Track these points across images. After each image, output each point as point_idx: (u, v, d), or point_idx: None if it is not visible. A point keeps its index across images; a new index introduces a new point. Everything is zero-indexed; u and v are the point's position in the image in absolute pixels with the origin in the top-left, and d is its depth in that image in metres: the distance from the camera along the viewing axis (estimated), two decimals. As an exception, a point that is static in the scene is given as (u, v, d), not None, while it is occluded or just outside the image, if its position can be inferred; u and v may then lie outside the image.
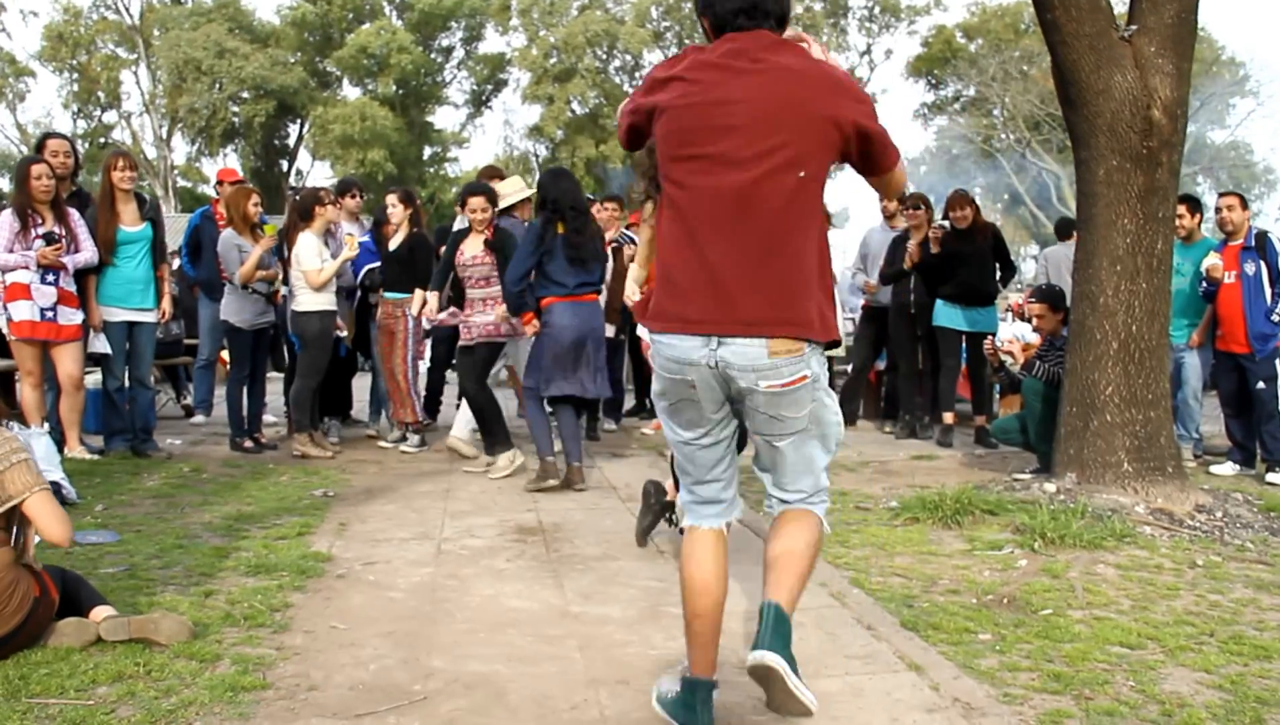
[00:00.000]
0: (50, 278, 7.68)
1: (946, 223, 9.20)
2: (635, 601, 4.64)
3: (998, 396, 10.06)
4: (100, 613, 4.03)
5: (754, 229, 3.07)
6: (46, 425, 7.60)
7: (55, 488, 6.29)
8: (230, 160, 48.76)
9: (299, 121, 49.31)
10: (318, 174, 49.78)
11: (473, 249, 7.82)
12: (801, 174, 3.06)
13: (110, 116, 50.07)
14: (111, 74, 47.78)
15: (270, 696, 3.52)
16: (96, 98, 48.69)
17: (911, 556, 5.44)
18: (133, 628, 3.95)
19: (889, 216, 10.23)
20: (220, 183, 9.79)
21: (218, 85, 44.57)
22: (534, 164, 49.16)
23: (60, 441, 7.99)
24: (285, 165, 50.38)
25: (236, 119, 46.18)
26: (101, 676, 3.63)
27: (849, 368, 10.67)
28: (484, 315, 7.71)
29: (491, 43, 50.79)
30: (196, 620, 4.25)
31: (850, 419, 10.31)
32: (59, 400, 8.07)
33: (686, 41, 45.89)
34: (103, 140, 49.24)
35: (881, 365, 10.65)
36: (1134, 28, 6.44)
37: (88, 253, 7.86)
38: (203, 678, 3.63)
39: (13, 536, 3.98)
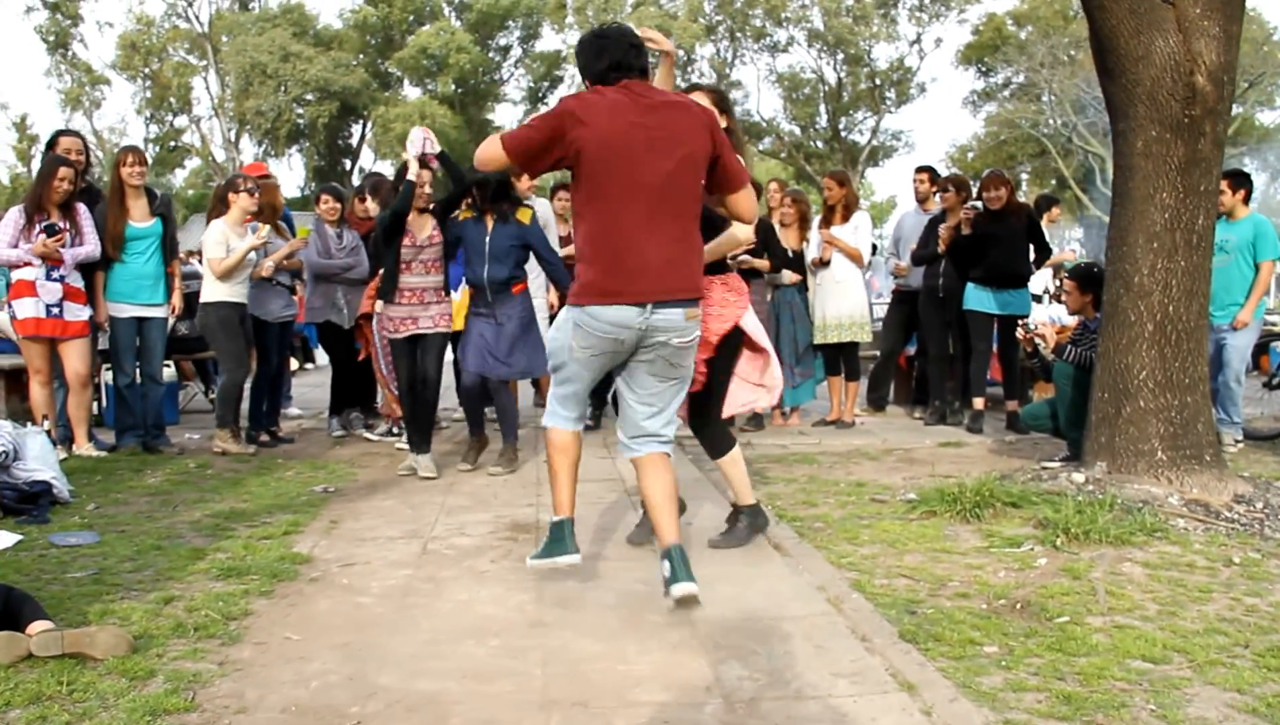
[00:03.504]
0: (56, 274, 7.56)
1: (979, 204, 8.78)
2: (614, 608, 4.33)
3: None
4: (37, 627, 3.78)
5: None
6: (47, 423, 7.42)
7: (46, 487, 6.17)
8: (295, 161, 49.74)
9: (361, 121, 50.33)
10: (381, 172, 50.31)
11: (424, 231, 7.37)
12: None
13: (181, 121, 51.63)
14: (182, 80, 49.18)
15: (193, 721, 3.25)
16: (168, 103, 50.06)
17: (923, 554, 5.06)
18: (67, 642, 3.70)
19: (922, 200, 9.86)
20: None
21: (283, 88, 45.41)
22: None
23: (72, 438, 7.88)
24: (349, 164, 51.01)
25: (301, 120, 47.04)
26: (17, 698, 3.38)
27: (878, 352, 10.40)
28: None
29: (548, 41, 51.54)
30: (146, 631, 4.02)
31: (879, 404, 10.05)
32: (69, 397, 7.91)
33: (738, 36, 45.65)
34: (173, 144, 50.70)
35: (912, 350, 10.28)
36: (1178, -11, 5.98)
37: (89, 247, 7.71)
38: (126, 698, 3.37)
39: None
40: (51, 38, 48.92)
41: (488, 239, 7.06)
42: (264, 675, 3.62)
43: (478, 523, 5.90)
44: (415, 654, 3.83)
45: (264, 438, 8.61)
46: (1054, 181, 44.53)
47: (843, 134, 46.68)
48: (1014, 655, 3.72)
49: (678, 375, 4.35)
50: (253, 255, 8.18)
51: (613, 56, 4.22)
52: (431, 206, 7.25)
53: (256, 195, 8.18)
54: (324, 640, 3.98)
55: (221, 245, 7.97)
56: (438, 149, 7.10)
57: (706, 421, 5.24)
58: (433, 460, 7.33)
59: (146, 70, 48.81)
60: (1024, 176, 45.87)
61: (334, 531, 5.73)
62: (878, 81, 45.36)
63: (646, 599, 4.41)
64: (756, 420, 9.15)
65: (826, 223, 9.32)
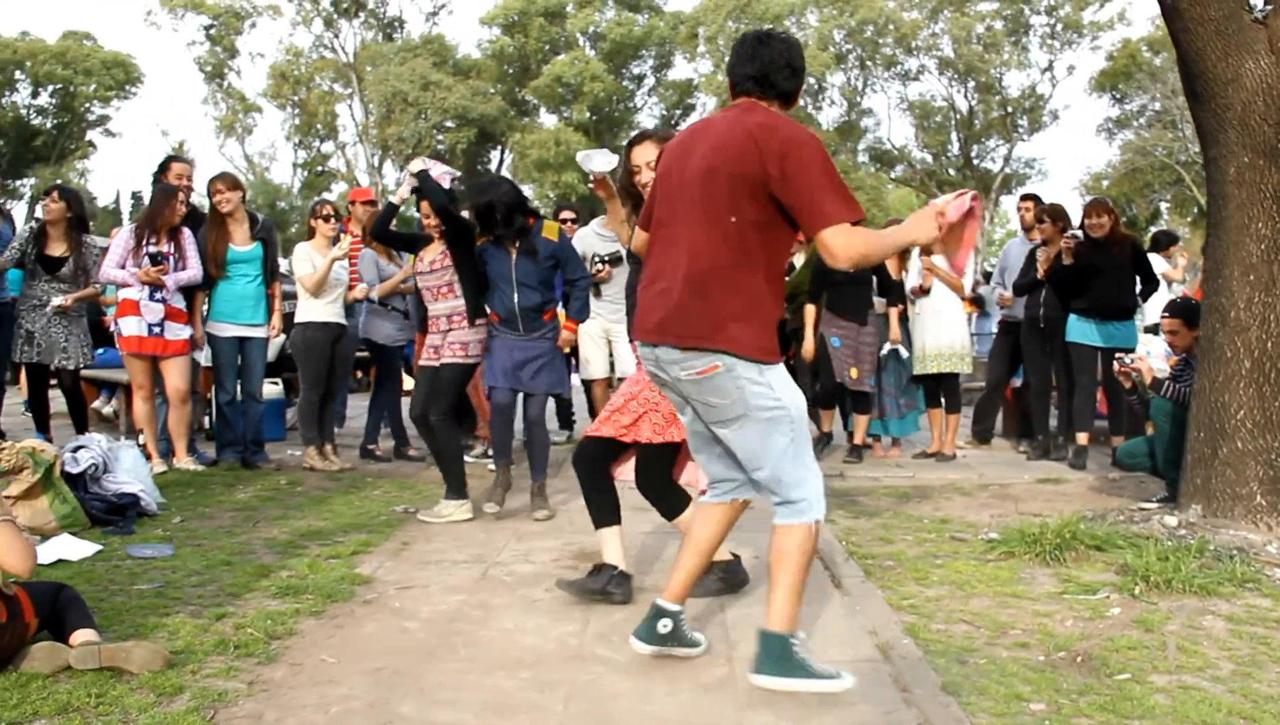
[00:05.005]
0: (158, 295, 7.78)
1: (1079, 233, 8.48)
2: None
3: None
4: (79, 637, 3.85)
5: None
6: (141, 437, 7.62)
7: (134, 499, 6.32)
8: (437, 186, 51.06)
9: (499, 147, 51.35)
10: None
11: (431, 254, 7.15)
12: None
13: (328, 146, 53.32)
14: (328, 108, 50.97)
15: (204, 740, 3.26)
16: (315, 130, 51.89)
17: (990, 598, 4.86)
18: (103, 655, 3.76)
19: (1028, 228, 9.58)
20: (353, 203, 9.76)
21: (423, 115, 46.58)
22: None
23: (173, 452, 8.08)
24: (487, 188, 52.02)
25: (441, 146, 48.12)
26: (46, 708, 3.44)
27: (981, 384, 10.17)
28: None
29: (680, 70, 52.02)
30: (188, 646, 4.07)
31: (984, 437, 9.78)
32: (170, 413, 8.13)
33: (869, 64, 45.33)
34: (320, 168, 52.40)
35: (1019, 382, 9.97)
36: (1269, 7, 5.69)
37: (192, 271, 7.94)
38: (149, 714, 3.40)
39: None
40: (209, 68, 51.04)
41: (513, 266, 6.60)
42: (288, 697, 3.63)
43: (545, 549, 5.87)
44: (442, 683, 3.79)
45: (379, 451, 8.87)
46: (1195, 210, 43.15)
47: (975, 162, 45.89)
48: (1061, 714, 3.51)
49: (715, 418, 3.77)
50: (342, 274, 8.34)
51: (760, 66, 3.77)
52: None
53: (332, 221, 8.33)
54: (359, 665, 3.97)
55: (308, 264, 8.16)
56: (447, 177, 6.89)
57: (654, 481, 4.91)
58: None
59: (295, 98, 50.60)
60: (1163, 205, 44.48)
61: (402, 553, 5.75)
62: (1009, 109, 44.49)
63: (691, 634, 4.31)
64: (856, 452, 8.97)
65: (927, 251, 9.11)
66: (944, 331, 8.93)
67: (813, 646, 4.12)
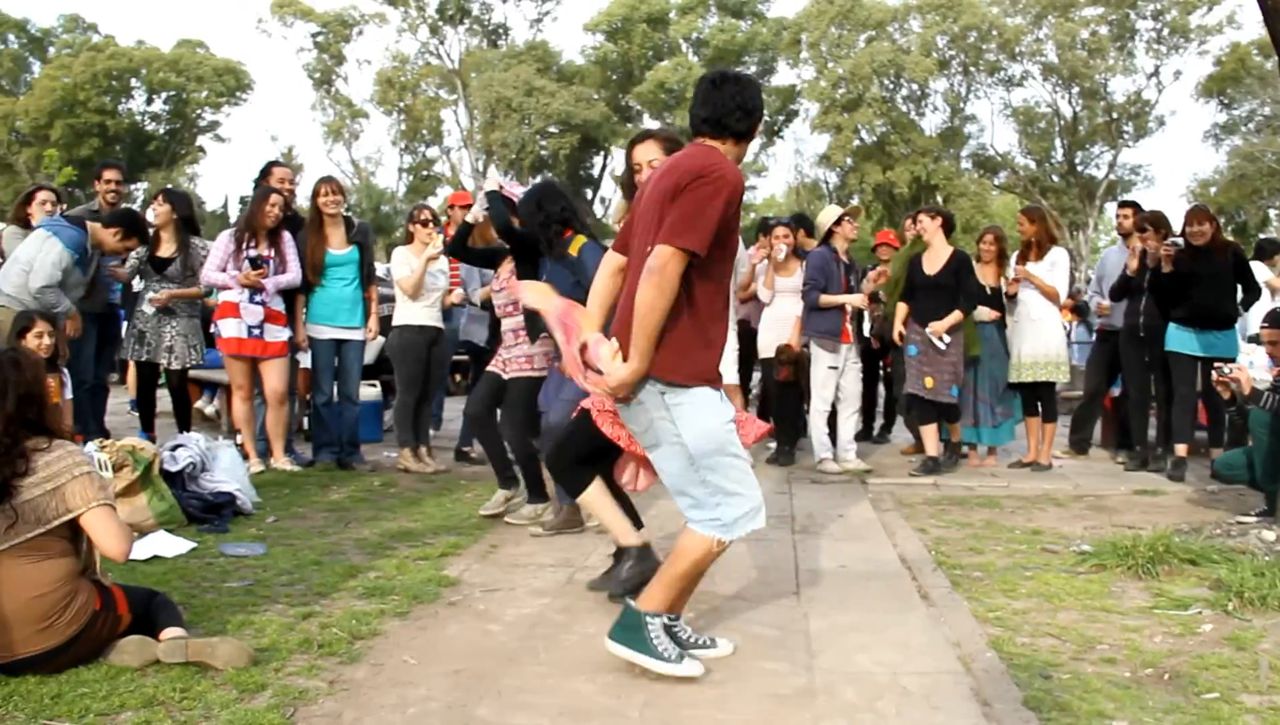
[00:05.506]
0: (258, 298, 7.91)
1: (1180, 240, 8.23)
2: (737, 653, 4.17)
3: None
4: (168, 633, 3.93)
5: None
6: (239, 437, 7.76)
7: (230, 498, 6.43)
8: (540, 190, 51.62)
9: (602, 153, 51.64)
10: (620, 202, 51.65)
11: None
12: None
13: (433, 152, 54.17)
14: (434, 113, 51.77)
15: (283, 737, 3.29)
16: (421, 135, 52.75)
17: (1079, 612, 4.73)
18: (190, 650, 3.83)
19: (1126, 235, 9.34)
20: (452, 207, 9.83)
21: (527, 121, 47.05)
22: (824, 191, 49.44)
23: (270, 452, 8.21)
24: (590, 194, 52.27)
25: (544, 152, 48.61)
26: (132, 701, 3.51)
27: (1080, 393, 9.93)
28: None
29: (783, 76, 51.79)
30: (274, 644, 4.12)
31: (1082, 447, 9.58)
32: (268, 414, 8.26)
33: (972, 70, 44.70)
34: (425, 173, 53.22)
35: (1117, 391, 9.73)
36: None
37: (291, 275, 8.05)
38: (230, 710, 3.44)
39: (82, 550, 3.92)
40: (317, 75, 52.09)
41: (545, 278, 6.33)
42: (368, 698, 3.65)
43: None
44: (522, 687, 3.79)
45: (474, 454, 8.95)
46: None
47: (1079, 168, 44.99)
48: (1146, 733, 3.41)
49: (644, 442, 3.99)
50: (441, 278, 8.42)
51: (714, 110, 3.97)
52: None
53: (430, 225, 8.39)
54: (439, 666, 3.99)
55: (405, 267, 8.26)
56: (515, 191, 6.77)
57: (565, 458, 4.85)
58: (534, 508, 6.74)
59: (401, 104, 51.46)
60: (1272, 212, 43.12)
61: (490, 556, 5.77)
62: (1114, 115, 43.46)
63: (772, 644, 4.28)
64: (952, 450, 8.86)
65: (1023, 259, 8.96)
66: (1040, 340, 8.75)
67: (892, 657, 4.06)
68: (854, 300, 8.74)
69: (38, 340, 6.18)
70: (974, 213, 40.41)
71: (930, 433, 8.65)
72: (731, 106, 3.94)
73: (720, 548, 3.88)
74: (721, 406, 3.91)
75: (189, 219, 8.62)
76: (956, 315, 8.45)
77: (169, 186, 11.55)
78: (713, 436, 3.84)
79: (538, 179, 51.07)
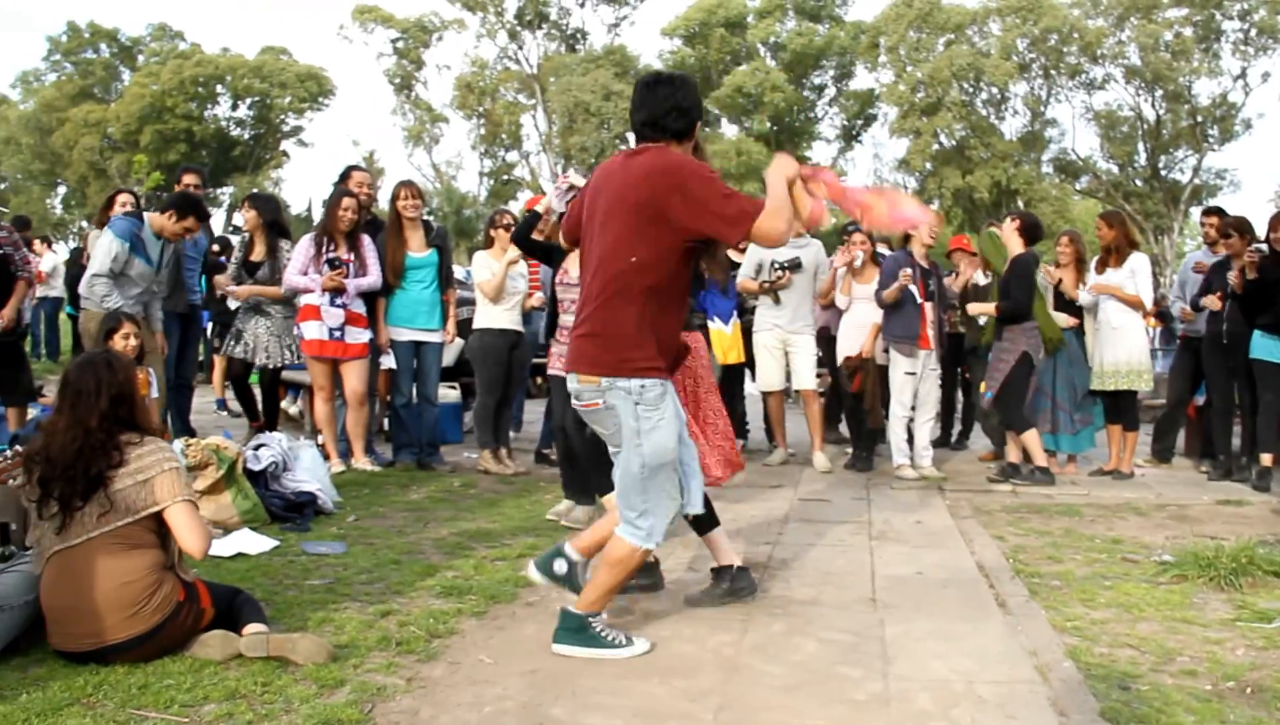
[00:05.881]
0: (339, 300, 8.00)
1: (1264, 246, 8.06)
2: (812, 658, 4.17)
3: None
4: (249, 629, 4.01)
5: None
6: (320, 437, 7.89)
7: (311, 497, 6.53)
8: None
9: (679, 159, 51.58)
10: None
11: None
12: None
13: (512, 156, 54.90)
14: (513, 118, 52.41)
15: (361, 733, 3.35)
16: (500, 139, 53.43)
17: (1159, 623, 4.66)
18: (271, 645, 3.91)
19: (1211, 243, 9.16)
20: (530, 210, 9.91)
21: (605, 125, 47.37)
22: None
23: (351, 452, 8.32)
24: (668, 198, 52.47)
25: (623, 156, 48.84)
26: (215, 693, 3.60)
27: (1163, 401, 9.72)
28: None
29: (861, 80, 51.69)
30: (353, 641, 4.19)
31: (1164, 456, 9.41)
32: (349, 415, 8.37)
33: (1053, 73, 44.10)
34: (505, 177, 53.67)
35: (1201, 399, 9.54)
36: None
37: (372, 277, 8.15)
38: (309, 704, 3.51)
39: (169, 544, 4.02)
40: (397, 80, 52.73)
41: None
42: (444, 695, 3.70)
43: (709, 558, 5.75)
44: (596, 688, 3.81)
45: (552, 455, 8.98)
46: None
47: (1162, 172, 44.14)
48: (1229, 746, 3.35)
49: (610, 443, 4.23)
50: (521, 282, 8.48)
51: (651, 112, 4.11)
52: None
53: (512, 229, 8.43)
54: (515, 666, 4.02)
55: (486, 271, 8.33)
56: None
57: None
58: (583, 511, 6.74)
59: (480, 109, 51.99)
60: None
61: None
62: (1199, 118, 42.54)
63: (847, 649, 4.26)
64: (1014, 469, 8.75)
65: (1102, 265, 8.82)
66: (1122, 347, 8.60)
67: (968, 665, 4.02)
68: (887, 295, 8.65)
69: (124, 341, 6.32)
70: (1055, 218, 39.90)
71: (1031, 439, 8.45)
72: (668, 107, 4.08)
73: (645, 555, 4.19)
74: (677, 422, 4.13)
75: (276, 222, 8.76)
76: (984, 307, 8.39)
77: (254, 192, 11.72)
78: (666, 452, 4.06)
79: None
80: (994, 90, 45.42)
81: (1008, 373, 8.29)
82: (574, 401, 4.18)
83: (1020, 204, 40.56)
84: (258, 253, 8.60)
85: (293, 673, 3.80)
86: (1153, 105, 43.63)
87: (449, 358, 9.47)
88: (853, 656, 4.16)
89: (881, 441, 9.43)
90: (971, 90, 45.47)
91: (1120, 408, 8.76)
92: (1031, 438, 8.33)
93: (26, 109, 54.27)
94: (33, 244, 14.97)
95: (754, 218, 3.85)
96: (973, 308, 8.81)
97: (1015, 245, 8.43)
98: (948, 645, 4.29)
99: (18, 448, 4.59)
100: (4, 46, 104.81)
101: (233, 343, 8.61)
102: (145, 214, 7.87)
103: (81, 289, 7.64)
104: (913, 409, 8.82)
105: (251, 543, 5.79)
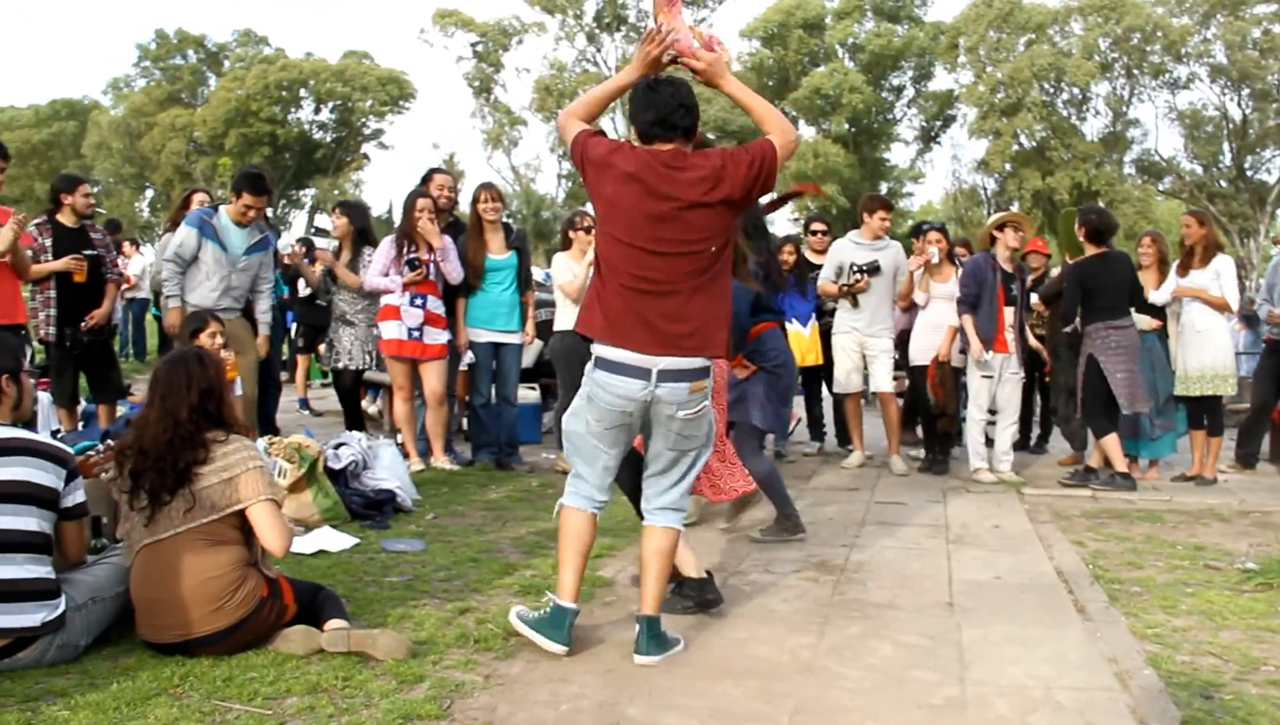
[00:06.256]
0: (418, 301, 8.09)
1: None
2: (888, 661, 4.16)
3: None
4: (332, 624, 4.08)
5: None
6: (400, 436, 8.00)
7: (390, 496, 6.62)
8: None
9: (758, 160, 51.46)
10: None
11: None
12: None
13: (591, 158, 54.51)
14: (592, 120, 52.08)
15: (439, 728, 3.39)
16: (579, 141, 53.24)
17: (1242, 632, 4.57)
18: (352, 640, 3.97)
19: (1306, 240, 8.98)
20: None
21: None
22: (982, 196, 48.60)
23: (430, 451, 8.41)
24: (747, 200, 52.41)
25: (701, 157, 48.88)
26: (298, 686, 3.66)
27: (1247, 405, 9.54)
28: None
29: (940, 80, 51.32)
30: (431, 638, 4.25)
31: (1249, 462, 9.23)
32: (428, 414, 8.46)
33: (1135, 72, 43.39)
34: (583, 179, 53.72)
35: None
36: None
37: (454, 274, 8.20)
38: (389, 699, 3.56)
39: (253, 541, 4.10)
40: (477, 84, 53.18)
41: None
42: (521, 693, 3.73)
43: (786, 560, 5.83)
44: (672, 688, 3.83)
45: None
46: None
47: (1249, 173, 43.20)
48: (1316, 758, 3.29)
49: (690, 445, 4.30)
50: None
51: (659, 112, 4.13)
52: None
53: (591, 232, 8.48)
54: (591, 664, 4.06)
55: (567, 272, 8.37)
56: None
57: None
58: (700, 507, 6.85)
59: (559, 111, 52.18)
60: None
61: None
62: (1288, 117, 41.68)
63: (924, 653, 4.23)
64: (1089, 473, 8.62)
65: (1184, 267, 8.66)
66: (1206, 352, 8.44)
67: (1047, 671, 3.98)
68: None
69: (210, 340, 6.44)
70: (1137, 219, 39.30)
71: (1111, 443, 8.33)
72: (675, 105, 4.13)
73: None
74: None
75: (365, 230, 8.90)
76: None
77: (345, 200, 11.91)
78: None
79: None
80: (1075, 90, 44.85)
81: (1080, 377, 8.19)
82: (679, 412, 4.10)
83: (1101, 205, 39.94)
84: (345, 258, 8.74)
85: (373, 668, 3.86)
86: (1239, 104, 42.79)
87: (528, 359, 9.53)
88: (929, 660, 4.14)
89: (957, 444, 9.35)
90: (1052, 90, 44.93)
91: (1204, 413, 8.61)
92: (1111, 442, 8.20)
93: (117, 114, 55.62)
94: (122, 246, 15.31)
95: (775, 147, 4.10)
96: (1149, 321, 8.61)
97: (1087, 249, 8.33)
98: (1025, 651, 4.26)
99: (109, 442, 4.73)
100: (96, 54, 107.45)
101: (327, 351, 8.83)
102: (221, 206, 8.03)
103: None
104: (990, 412, 8.74)
105: (332, 540, 5.88)
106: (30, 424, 4.65)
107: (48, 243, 7.92)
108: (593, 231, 8.32)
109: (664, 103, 4.13)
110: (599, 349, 4.09)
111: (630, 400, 4.05)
